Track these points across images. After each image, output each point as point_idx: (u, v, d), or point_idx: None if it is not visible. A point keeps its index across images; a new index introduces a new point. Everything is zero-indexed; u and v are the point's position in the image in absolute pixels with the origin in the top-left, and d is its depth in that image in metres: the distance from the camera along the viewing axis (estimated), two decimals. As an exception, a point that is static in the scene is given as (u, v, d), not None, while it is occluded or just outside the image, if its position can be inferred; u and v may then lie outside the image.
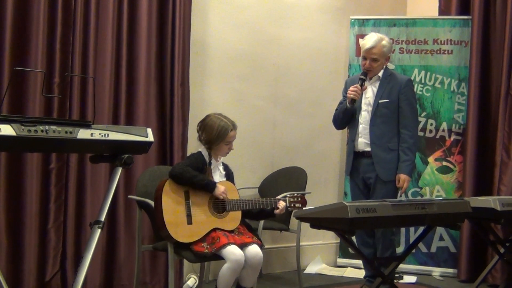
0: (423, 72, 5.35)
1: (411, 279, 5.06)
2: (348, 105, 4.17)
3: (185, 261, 4.26)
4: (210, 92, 4.95)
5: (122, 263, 4.30)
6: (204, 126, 3.57)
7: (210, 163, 3.56)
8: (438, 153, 5.33)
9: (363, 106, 4.25)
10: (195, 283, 4.54)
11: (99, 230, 2.63)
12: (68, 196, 4.12)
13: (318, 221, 3.07)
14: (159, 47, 4.48)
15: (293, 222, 4.55)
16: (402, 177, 4.12)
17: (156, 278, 4.42)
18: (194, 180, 3.38)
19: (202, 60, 4.90)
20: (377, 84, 4.23)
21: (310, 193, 4.64)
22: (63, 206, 4.12)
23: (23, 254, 3.94)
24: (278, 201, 3.57)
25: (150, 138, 2.72)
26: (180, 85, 4.49)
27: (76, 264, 4.09)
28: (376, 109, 4.18)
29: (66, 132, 2.45)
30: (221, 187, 3.44)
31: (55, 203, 4.07)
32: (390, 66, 5.23)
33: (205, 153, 3.56)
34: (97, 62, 4.21)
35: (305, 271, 5.29)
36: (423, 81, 5.33)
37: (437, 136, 5.33)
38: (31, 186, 3.95)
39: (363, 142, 4.23)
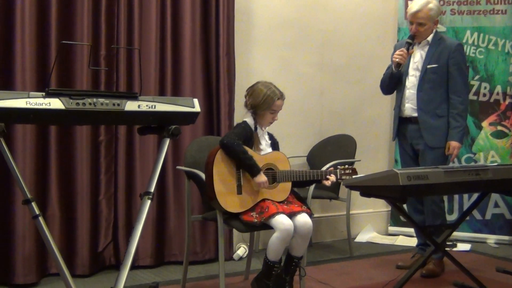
0: (475, 34, 5.21)
1: (465, 247, 5.00)
2: (394, 69, 4.11)
3: (234, 230, 4.31)
4: (255, 61, 4.93)
5: (173, 233, 4.38)
6: (252, 91, 3.56)
7: (256, 129, 3.56)
8: (492, 117, 5.21)
9: (411, 71, 4.18)
10: (245, 252, 4.59)
11: (149, 201, 2.67)
12: (117, 168, 4.20)
13: (368, 189, 3.05)
14: (203, 17, 4.47)
15: (343, 190, 4.55)
16: (453, 144, 4.05)
17: (206, 248, 4.48)
18: (242, 156, 3.36)
19: (247, 28, 4.88)
20: (426, 48, 4.14)
21: (359, 160, 4.61)
22: (113, 177, 4.20)
23: (76, 225, 4.05)
24: (329, 174, 3.55)
25: (197, 108, 2.74)
26: (225, 55, 4.49)
27: (127, 234, 4.18)
28: (424, 74, 4.10)
29: (113, 105, 2.49)
30: (264, 177, 3.41)
31: (105, 175, 4.16)
32: (441, 28, 5.11)
33: (250, 121, 3.56)
34: (142, 33, 4.24)
35: (355, 240, 5.29)
36: (475, 43, 5.19)
37: (491, 100, 5.20)
38: (81, 159, 4.04)
39: (409, 107, 4.16)
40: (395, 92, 4.35)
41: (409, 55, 4.11)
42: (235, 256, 4.59)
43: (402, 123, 4.24)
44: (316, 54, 5.26)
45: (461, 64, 4.12)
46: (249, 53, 4.90)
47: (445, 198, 4.76)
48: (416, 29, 4.07)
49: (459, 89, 4.09)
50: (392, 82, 4.23)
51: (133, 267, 4.11)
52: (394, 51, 4.26)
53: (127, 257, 2.60)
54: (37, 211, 2.53)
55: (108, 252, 4.20)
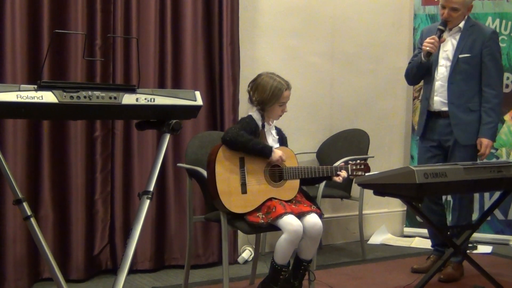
0: (497, 20, 5.19)
1: (486, 249, 4.99)
2: (423, 58, 4.04)
3: (239, 232, 4.31)
4: (261, 50, 4.93)
5: (173, 235, 4.39)
6: (256, 86, 3.55)
7: (263, 126, 3.56)
8: (515, 110, 5.20)
9: (441, 61, 4.12)
10: (251, 255, 4.59)
11: (148, 201, 2.68)
12: (114, 165, 4.21)
13: (383, 187, 3.06)
14: (205, 3, 4.46)
15: (355, 189, 4.54)
16: (485, 141, 4.00)
17: (209, 251, 4.49)
18: (249, 144, 3.37)
19: (252, 15, 4.87)
20: (458, 36, 4.08)
21: (372, 157, 4.61)
22: (110, 176, 4.21)
23: (70, 227, 4.06)
24: (340, 169, 3.54)
25: (199, 101, 2.74)
26: (229, 44, 4.48)
27: (125, 236, 4.18)
28: (456, 64, 4.04)
29: (110, 98, 2.49)
30: (279, 151, 3.44)
31: (101, 173, 4.16)
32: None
33: (256, 116, 3.55)
34: (140, 21, 4.24)
35: (368, 242, 5.29)
36: (497, 30, 5.17)
37: (514, 92, 5.19)
38: (75, 156, 4.04)
39: (439, 101, 4.12)
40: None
41: (441, 43, 4.05)
42: (240, 259, 4.59)
43: (429, 118, 4.18)
44: (325, 42, 5.25)
45: (495, 54, 4.06)
46: (255, 42, 4.89)
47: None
48: (448, 15, 3.99)
49: (493, 82, 4.03)
50: (420, 72, 4.18)
51: (131, 271, 4.12)
52: (421, 37, 4.19)
53: (124, 260, 2.60)
54: (28, 212, 2.54)
55: (104, 256, 4.21)
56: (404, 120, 5.61)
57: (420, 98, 4.91)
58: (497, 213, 5.17)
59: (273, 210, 3.33)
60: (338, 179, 3.54)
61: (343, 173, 3.54)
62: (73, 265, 4.04)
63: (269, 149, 3.42)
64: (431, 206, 4.26)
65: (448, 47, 4.10)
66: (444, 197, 4.70)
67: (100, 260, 4.20)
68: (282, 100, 3.52)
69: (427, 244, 4.97)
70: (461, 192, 3.90)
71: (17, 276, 3.82)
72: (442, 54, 4.12)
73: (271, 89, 3.49)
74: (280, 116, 3.60)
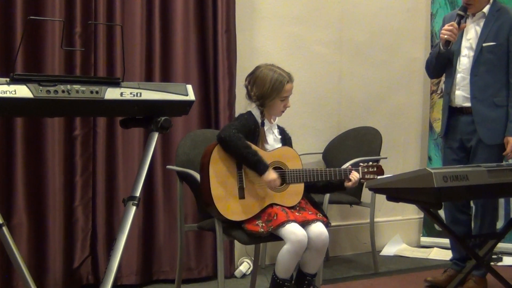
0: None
1: (512, 261, 5.01)
2: (441, 48, 4.04)
3: (236, 242, 4.31)
4: (261, 39, 4.94)
5: (162, 246, 4.39)
6: (255, 79, 3.55)
7: (263, 124, 3.56)
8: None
9: (463, 51, 4.11)
10: (249, 268, 4.60)
11: (134, 208, 2.68)
12: (96, 168, 4.21)
13: (397, 192, 3.06)
14: (198, -14, 4.49)
15: (366, 194, 4.54)
16: (511, 140, 4.01)
17: (202, 263, 4.49)
18: (245, 151, 3.35)
19: (250, 0, 4.88)
20: (482, 22, 4.06)
21: (385, 158, 4.61)
22: (91, 180, 4.21)
23: (47, 236, 4.06)
24: (350, 171, 3.54)
25: (191, 96, 2.74)
26: (224, 32, 4.49)
27: (108, 247, 4.18)
28: (479, 54, 4.03)
29: (91, 92, 2.48)
30: (273, 174, 3.38)
31: (81, 177, 4.17)
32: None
33: (256, 112, 3.55)
34: (125, 7, 4.24)
35: (381, 253, 5.30)
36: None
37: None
38: (52, 157, 4.04)
39: (461, 95, 4.10)
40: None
41: (460, 30, 4.03)
42: (237, 273, 4.60)
43: (451, 114, 4.17)
44: (333, 30, 5.26)
45: None
46: (253, 29, 4.90)
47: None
48: None
49: None
50: (439, 64, 4.17)
51: (115, 286, 4.12)
52: (443, 24, 4.20)
53: (108, 274, 2.60)
54: (0, 220, 2.54)
55: (85, 269, 4.22)
56: (420, 116, 5.62)
57: (438, 92, 4.91)
58: (525, 220, 5.18)
59: (274, 217, 3.33)
60: (351, 184, 3.52)
61: (355, 175, 3.52)
62: (50, 280, 4.04)
63: (265, 166, 3.38)
64: (456, 215, 4.23)
65: (471, 35, 4.09)
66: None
67: (81, 274, 4.20)
68: (283, 94, 3.52)
69: (446, 255, 4.97)
70: (484, 197, 3.90)
71: (-12, 291, 3.83)
72: (464, 43, 4.11)
73: (271, 82, 3.49)
74: (283, 112, 3.60)
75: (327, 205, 4.30)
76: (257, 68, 3.58)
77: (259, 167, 3.37)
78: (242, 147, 3.36)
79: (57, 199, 4.06)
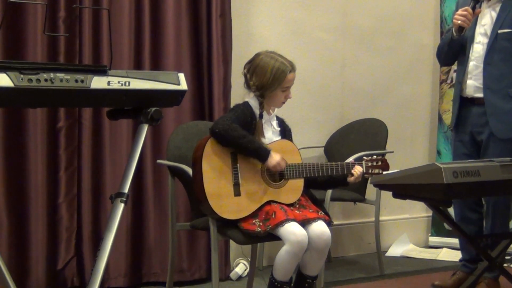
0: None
1: (527, 262, 5.02)
2: (454, 34, 4.04)
3: (232, 242, 4.31)
4: (258, 24, 4.93)
5: (153, 246, 4.39)
6: (254, 68, 3.54)
7: (261, 116, 3.55)
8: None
9: (477, 37, 4.09)
10: (245, 270, 4.60)
11: (122, 205, 2.67)
12: (81, 162, 4.21)
13: (404, 188, 3.06)
14: (191, -33, 4.48)
15: (371, 190, 4.55)
16: None
17: (195, 265, 4.50)
18: (242, 141, 3.35)
19: (247, -18, 4.89)
20: (498, 7, 4.04)
21: (392, 152, 4.61)
22: (76, 175, 4.21)
23: (29, 236, 4.06)
24: (353, 165, 3.54)
25: (183, 86, 2.73)
26: (219, 16, 4.49)
27: (95, 248, 4.19)
28: (494, 41, 4.01)
29: (76, 81, 2.48)
30: (277, 156, 3.40)
31: (65, 172, 4.17)
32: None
33: (254, 103, 3.55)
34: (112, -11, 4.24)
35: (387, 254, 5.31)
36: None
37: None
38: (35, 151, 4.05)
39: (473, 85, 4.09)
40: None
41: (475, 16, 4.02)
42: (232, 275, 4.61)
43: (462, 105, 4.16)
44: (336, 15, 5.26)
45: None
46: (250, 14, 4.90)
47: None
48: None
49: None
50: (451, 51, 4.17)
51: (102, 289, 4.13)
52: (456, 9, 4.20)
53: (94, 276, 2.60)
54: (-22, 218, 2.54)
55: (70, 270, 4.22)
56: (429, 108, 5.62)
57: (448, 81, 4.91)
58: (541, 219, 5.20)
59: (272, 216, 3.33)
60: (354, 179, 3.53)
61: (358, 169, 3.52)
62: (32, 282, 4.05)
63: (266, 151, 3.39)
64: (466, 213, 4.24)
65: (487, 21, 4.08)
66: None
67: (65, 276, 4.20)
68: (285, 84, 3.52)
69: (456, 256, 4.99)
70: (497, 194, 3.90)
71: (-35, 295, 3.83)
72: (479, 29, 4.09)
73: (273, 72, 3.48)
74: (283, 103, 3.60)
75: (329, 202, 4.30)
76: (257, 55, 3.57)
77: (261, 153, 3.38)
78: (238, 136, 3.35)
79: (39, 196, 4.07)
